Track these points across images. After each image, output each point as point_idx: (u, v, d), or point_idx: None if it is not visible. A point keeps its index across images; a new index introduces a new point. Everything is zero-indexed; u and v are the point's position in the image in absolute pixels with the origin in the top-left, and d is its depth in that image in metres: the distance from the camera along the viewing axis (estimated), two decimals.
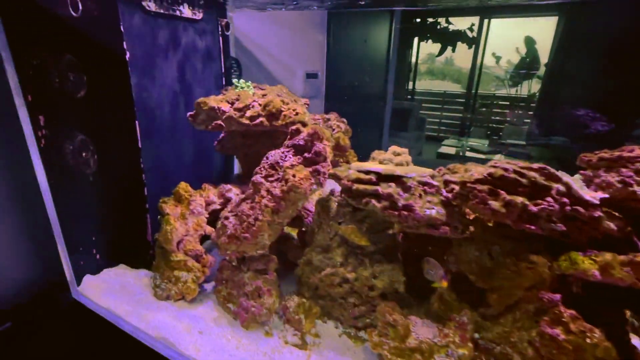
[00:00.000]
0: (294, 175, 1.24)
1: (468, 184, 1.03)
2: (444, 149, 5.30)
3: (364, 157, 1.49)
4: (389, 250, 1.32)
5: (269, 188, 1.28)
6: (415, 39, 6.12)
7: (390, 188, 1.13)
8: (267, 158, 1.38)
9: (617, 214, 0.94)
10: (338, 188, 1.40)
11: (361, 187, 1.18)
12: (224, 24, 1.87)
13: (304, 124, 1.42)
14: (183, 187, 1.47)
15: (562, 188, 0.90)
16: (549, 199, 0.89)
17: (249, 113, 1.45)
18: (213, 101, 1.47)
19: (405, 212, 1.10)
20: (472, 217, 1.14)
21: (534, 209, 0.90)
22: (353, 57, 3.29)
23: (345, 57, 3.16)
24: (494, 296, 1.01)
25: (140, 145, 1.40)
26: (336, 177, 1.29)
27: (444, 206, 1.10)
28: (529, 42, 5.89)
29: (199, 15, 1.66)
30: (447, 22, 5.65)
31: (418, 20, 5.50)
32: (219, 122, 1.46)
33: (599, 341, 0.83)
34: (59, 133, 1.37)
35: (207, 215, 1.48)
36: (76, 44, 1.32)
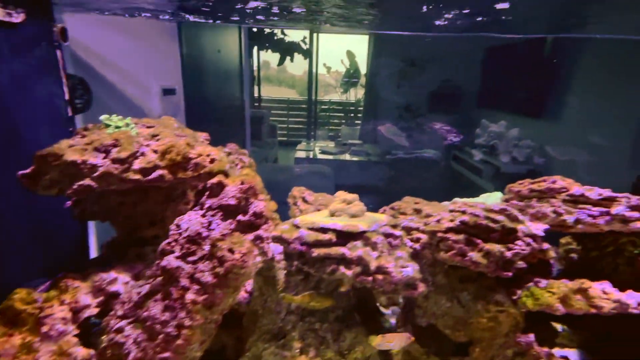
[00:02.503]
0: (231, 250, 0.90)
1: (439, 233, 0.97)
2: (299, 154, 5.60)
3: None
4: (346, 313, 1.15)
5: (194, 273, 0.90)
6: (255, 48, 6.42)
7: (359, 249, 0.96)
8: (179, 227, 0.98)
9: None
10: (276, 249, 1.13)
11: (323, 251, 0.96)
12: (60, 31, 1.26)
13: (226, 174, 1.08)
14: (22, 297, 0.86)
15: (525, 229, 0.94)
16: (520, 242, 0.92)
17: (138, 164, 0.99)
18: (72, 152, 0.93)
19: (380, 276, 0.94)
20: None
21: (509, 254, 0.91)
22: (209, 69, 3.18)
23: (201, 69, 3.06)
24: (477, 350, 0.98)
25: None
26: (283, 241, 1.03)
27: (413, 259, 1.01)
28: (350, 55, 6.97)
29: (19, 18, 1.05)
30: (283, 33, 6.13)
31: (255, 30, 5.74)
32: (86, 182, 0.94)
33: None
34: None
35: (78, 331, 0.93)
36: None
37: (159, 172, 1.01)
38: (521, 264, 0.95)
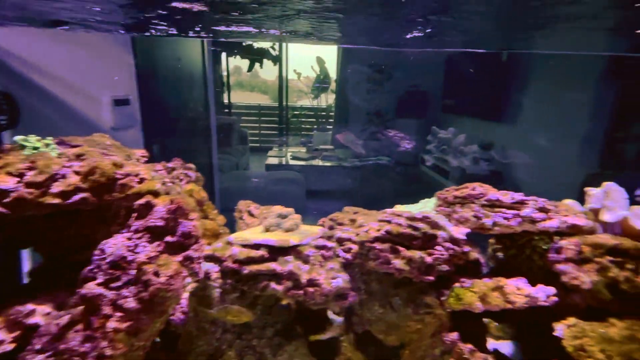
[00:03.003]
0: (156, 274, 0.89)
1: (367, 243, 1.00)
2: (270, 160, 5.58)
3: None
4: (286, 326, 1.15)
5: (117, 300, 0.88)
6: (224, 54, 6.37)
7: (290, 263, 0.98)
8: (103, 252, 0.95)
9: None
10: (213, 267, 1.12)
11: (255, 268, 0.97)
12: None
13: (156, 194, 1.07)
14: None
15: (445, 234, 0.99)
16: (439, 247, 0.97)
17: (57, 188, 0.95)
18: None
19: (311, 289, 0.96)
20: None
21: (429, 260, 0.96)
22: (168, 78, 3.12)
23: (159, 78, 3.00)
24: (406, 352, 1.02)
25: None
26: (216, 260, 1.02)
27: (345, 269, 1.04)
28: (320, 61, 7.05)
29: None
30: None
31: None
32: None
33: None
34: None
35: None
36: None
37: (81, 195, 0.98)
38: (444, 267, 1.00)
